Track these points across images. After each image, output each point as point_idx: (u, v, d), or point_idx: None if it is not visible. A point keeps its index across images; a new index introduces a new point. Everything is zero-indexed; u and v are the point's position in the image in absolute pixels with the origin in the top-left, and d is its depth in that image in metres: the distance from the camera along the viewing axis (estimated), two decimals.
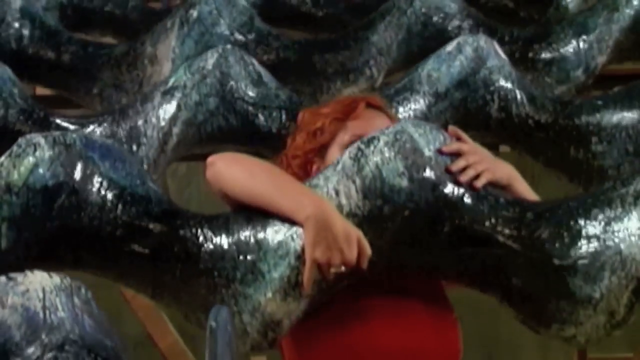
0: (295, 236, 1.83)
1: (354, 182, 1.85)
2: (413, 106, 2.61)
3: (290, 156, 2.14)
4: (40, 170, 1.86)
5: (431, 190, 1.88)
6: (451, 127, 2.04)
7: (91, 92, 3.08)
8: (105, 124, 2.59)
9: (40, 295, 1.56)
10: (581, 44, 3.11)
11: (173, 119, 2.56)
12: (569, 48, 3.11)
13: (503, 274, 1.94)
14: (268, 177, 1.92)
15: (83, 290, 1.59)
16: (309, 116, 2.18)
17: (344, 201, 1.84)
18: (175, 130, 2.56)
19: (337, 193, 1.85)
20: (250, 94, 2.63)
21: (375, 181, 1.86)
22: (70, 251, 1.93)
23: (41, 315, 1.53)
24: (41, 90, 3.50)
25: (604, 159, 2.63)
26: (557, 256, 1.88)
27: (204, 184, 2.01)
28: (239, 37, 2.99)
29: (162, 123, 2.56)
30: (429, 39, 3.08)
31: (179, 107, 2.58)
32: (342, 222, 1.83)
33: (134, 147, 2.55)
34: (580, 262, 1.86)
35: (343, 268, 1.82)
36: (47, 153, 1.87)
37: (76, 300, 1.56)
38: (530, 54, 3.10)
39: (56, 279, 1.58)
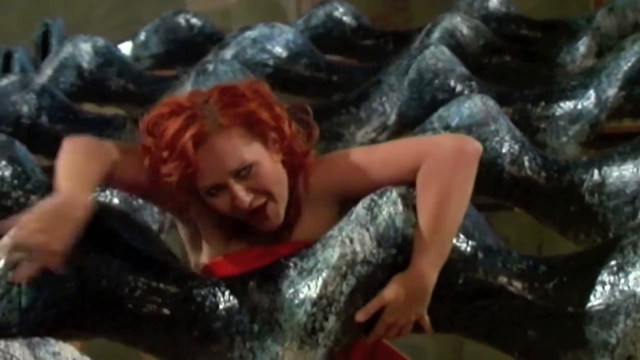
0: (310, 285, 1.85)
1: (367, 229, 1.86)
2: None
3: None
4: None
5: None
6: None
7: None
8: None
9: None
10: (590, 79, 3.15)
11: None
12: (578, 86, 3.15)
13: (518, 326, 1.95)
14: None
15: None
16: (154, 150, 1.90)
17: (358, 248, 1.85)
18: None
19: (351, 241, 1.86)
20: None
21: (389, 229, 1.88)
22: (89, 315, 1.95)
23: None
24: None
25: (616, 213, 2.64)
26: (572, 304, 1.89)
27: None
28: None
29: None
30: (438, 90, 3.12)
31: None
32: None
33: None
34: (595, 308, 1.87)
35: None
36: None
37: None
38: (539, 110, 3.14)
39: (86, 357, 1.62)
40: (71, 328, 1.95)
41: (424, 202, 1.88)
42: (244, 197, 1.88)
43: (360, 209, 1.90)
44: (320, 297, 1.83)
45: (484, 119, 2.60)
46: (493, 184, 2.66)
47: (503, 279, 1.95)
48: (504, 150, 2.63)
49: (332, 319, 1.83)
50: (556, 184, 2.70)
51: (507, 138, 2.64)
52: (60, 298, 1.90)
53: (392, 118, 3.09)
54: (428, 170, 1.89)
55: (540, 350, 1.93)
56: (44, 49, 4.20)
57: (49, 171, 3.13)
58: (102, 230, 1.96)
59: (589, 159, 2.78)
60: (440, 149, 1.90)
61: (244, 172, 1.89)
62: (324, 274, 1.83)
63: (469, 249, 1.98)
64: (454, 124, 2.57)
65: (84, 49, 3.79)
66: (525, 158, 2.68)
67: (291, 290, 1.85)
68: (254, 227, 1.95)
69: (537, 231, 4.50)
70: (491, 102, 2.66)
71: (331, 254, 1.84)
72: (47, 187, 2.73)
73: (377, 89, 3.11)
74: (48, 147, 3.26)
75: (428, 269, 1.87)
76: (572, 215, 2.71)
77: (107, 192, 2.65)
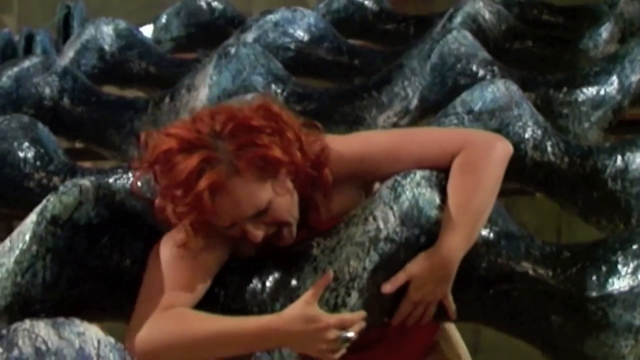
0: (333, 261, 1.85)
1: (391, 208, 1.87)
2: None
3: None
4: (85, 209, 1.90)
5: None
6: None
7: (128, 137, 3.13)
8: None
9: (95, 343, 1.61)
10: (613, 65, 3.13)
11: None
12: (600, 71, 3.13)
13: (541, 311, 1.94)
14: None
15: None
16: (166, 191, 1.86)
17: (381, 225, 1.86)
18: None
19: (374, 218, 1.86)
20: None
21: (412, 209, 1.88)
22: (111, 296, 1.96)
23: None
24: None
25: (638, 199, 2.63)
26: (595, 288, 1.89)
27: None
28: (274, 87, 3.04)
29: None
30: (460, 75, 3.11)
31: None
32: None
33: None
34: (619, 291, 1.86)
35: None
36: (92, 195, 1.91)
37: None
38: (561, 95, 3.12)
39: (111, 338, 1.63)
40: (94, 309, 1.96)
41: (460, 184, 1.91)
42: (258, 233, 1.88)
43: (384, 188, 1.90)
44: (342, 272, 1.83)
45: (507, 104, 2.59)
46: (516, 169, 2.63)
47: (526, 264, 1.95)
48: (526, 135, 2.62)
49: (354, 295, 1.83)
50: (579, 170, 2.69)
51: (530, 123, 2.62)
52: (83, 277, 1.91)
53: (414, 102, 3.08)
54: (469, 155, 1.92)
55: (564, 335, 1.92)
56: (65, 31, 4.21)
57: (71, 153, 3.15)
58: (126, 212, 1.97)
59: (612, 145, 2.76)
60: (483, 140, 1.96)
61: (259, 215, 1.88)
62: (347, 249, 1.84)
63: (491, 234, 1.98)
64: (477, 108, 2.57)
65: (106, 32, 3.79)
66: (548, 143, 2.67)
67: (314, 266, 1.86)
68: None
69: (555, 218, 4.48)
70: (514, 87, 2.64)
71: (354, 231, 1.85)
72: (69, 169, 2.75)
73: (399, 73, 3.10)
74: (70, 129, 3.28)
75: (455, 247, 1.88)
76: (595, 201, 2.70)
77: (129, 175, 2.65)
